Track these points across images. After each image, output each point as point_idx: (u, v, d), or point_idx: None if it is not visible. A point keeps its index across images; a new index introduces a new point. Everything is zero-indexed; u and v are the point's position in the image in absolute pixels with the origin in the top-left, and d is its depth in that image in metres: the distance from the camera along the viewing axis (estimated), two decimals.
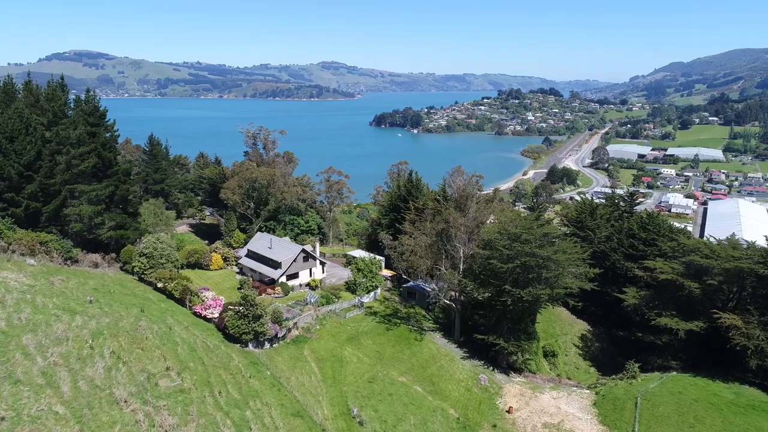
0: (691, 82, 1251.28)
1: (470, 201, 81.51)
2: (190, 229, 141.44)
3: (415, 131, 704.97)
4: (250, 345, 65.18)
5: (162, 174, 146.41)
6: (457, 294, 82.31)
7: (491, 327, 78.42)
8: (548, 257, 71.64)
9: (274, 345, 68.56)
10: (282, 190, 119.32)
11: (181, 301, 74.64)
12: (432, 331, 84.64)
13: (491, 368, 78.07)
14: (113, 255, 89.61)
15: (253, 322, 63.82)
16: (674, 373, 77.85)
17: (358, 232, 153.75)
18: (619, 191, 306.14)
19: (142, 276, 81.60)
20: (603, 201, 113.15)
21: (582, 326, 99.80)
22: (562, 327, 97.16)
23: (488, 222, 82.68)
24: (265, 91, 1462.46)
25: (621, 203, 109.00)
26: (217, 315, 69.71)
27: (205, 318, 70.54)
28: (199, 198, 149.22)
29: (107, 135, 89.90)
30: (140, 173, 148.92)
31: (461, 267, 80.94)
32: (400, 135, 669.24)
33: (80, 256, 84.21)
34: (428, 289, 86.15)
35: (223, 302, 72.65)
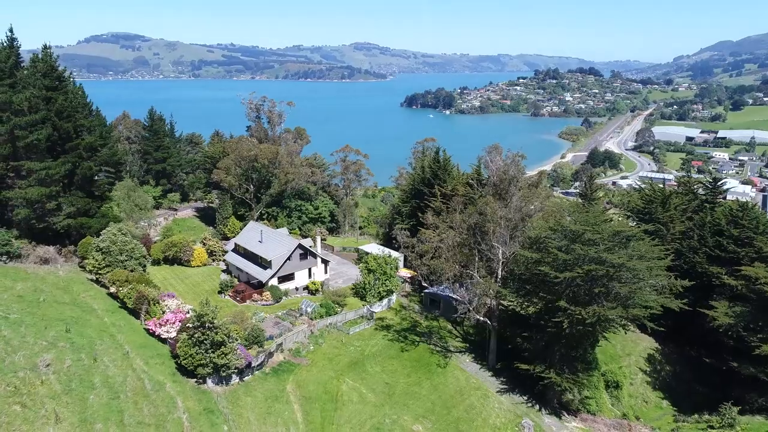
0: (741, 61, 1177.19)
1: (513, 186, 62.15)
2: (195, 213, 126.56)
3: (447, 112, 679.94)
4: (208, 381, 47.99)
5: (164, 152, 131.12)
6: (494, 306, 63.46)
7: (538, 353, 59.52)
8: (622, 265, 52.08)
9: (245, 378, 51.24)
10: (287, 171, 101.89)
11: (136, 313, 58.12)
12: (460, 352, 66.18)
13: (537, 407, 59.31)
14: (72, 248, 73.91)
15: (212, 351, 46.53)
16: None
17: (378, 219, 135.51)
18: (667, 176, 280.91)
19: (98, 276, 65.49)
20: (675, 187, 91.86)
21: (648, 344, 79.78)
22: (624, 345, 77.32)
23: (535, 214, 63.21)
24: (297, 72, 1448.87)
25: (700, 191, 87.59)
26: (174, 334, 52.78)
27: (159, 338, 53.72)
28: (205, 179, 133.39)
29: (65, 101, 73.62)
30: (139, 150, 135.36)
31: (500, 273, 61.97)
32: (431, 116, 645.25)
33: (27, 250, 68.59)
34: (456, 297, 67.50)
35: (189, 314, 55.56)
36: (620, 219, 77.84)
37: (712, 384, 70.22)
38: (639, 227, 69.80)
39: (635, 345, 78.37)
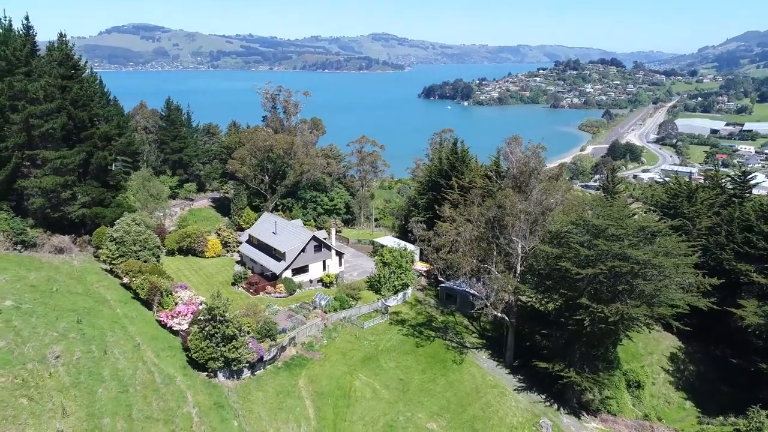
0: None
1: (533, 179, 60.22)
2: (211, 203, 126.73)
3: (465, 103, 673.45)
4: (219, 375, 47.21)
5: (181, 142, 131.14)
6: (512, 301, 61.70)
7: (558, 351, 57.79)
8: (647, 261, 50.02)
9: (257, 372, 50.39)
10: (302, 162, 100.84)
11: (149, 304, 57.61)
12: (476, 349, 64.71)
13: (556, 407, 57.68)
14: (87, 238, 73.81)
15: (223, 345, 45.70)
16: None
17: (395, 211, 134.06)
18: (690, 170, 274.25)
19: (112, 267, 65.19)
20: (702, 181, 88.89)
21: (671, 342, 77.43)
22: (646, 343, 75.11)
23: (556, 208, 61.14)
24: (315, 63, 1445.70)
25: (728, 185, 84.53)
26: (186, 326, 52.12)
27: (171, 330, 53.12)
28: (221, 169, 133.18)
29: (80, 90, 73.27)
30: (156, 140, 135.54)
31: (518, 268, 60.21)
32: (449, 107, 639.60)
33: (42, 239, 68.53)
34: (473, 292, 65.93)
35: (201, 306, 54.77)
36: (644, 213, 75.44)
37: (739, 385, 67.91)
38: (664, 222, 67.57)
39: (658, 343, 76.15)
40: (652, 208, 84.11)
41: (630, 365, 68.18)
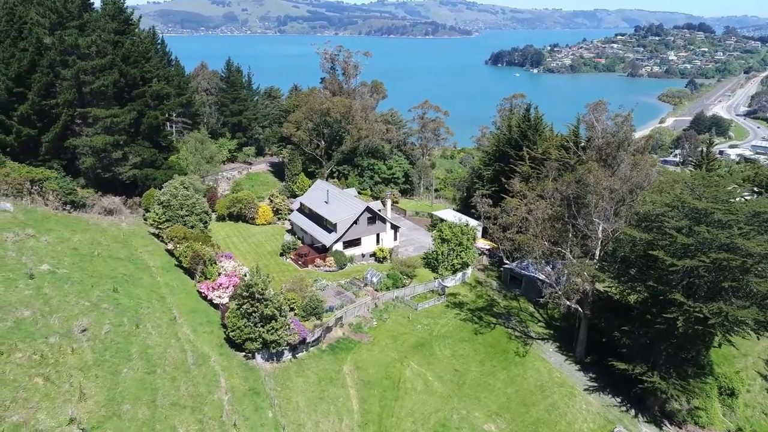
0: None
1: (622, 151, 51.80)
2: (269, 168, 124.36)
3: (535, 71, 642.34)
4: (257, 356, 43.30)
5: (240, 105, 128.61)
6: (588, 290, 54.24)
7: (639, 350, 50.29)
8: (764, 255, 41.40)
9: (298, 354, 46.22)
10: (360, 127, 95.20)
11: (192, 273, 54.55)
12: (542, 340, 58.06)
13: (633, 413, 50.57)
14: (138, 199, 72.03)
15: (261, 326, 41.57)
16: None
17: (456, 182, 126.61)
18: None
19: (159, 231, 62.77)
20: None
21: None
22: (740, 344, 65.15)
23: (647, 186, 52.51)
24: (380, 28, 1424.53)
25: None
26: (226, 299, 48.54)
27: (211, 302, 49.74)
28: (279, 134, 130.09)
29: (132, 46, 70.38)
30: (216, 102, 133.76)
31: (598, 253, 52.58)
32: (517, 74, 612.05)
33: (93, 200, 67.18)
34: (541, 277, 58.88)
35: (246, 278, 50.94)
36: (749, 197, 65.19)
37: None
38: None
39: (753, 344, 66.38)
40: (755, 189, 73.23)
41: (721, 369, 59.51)
